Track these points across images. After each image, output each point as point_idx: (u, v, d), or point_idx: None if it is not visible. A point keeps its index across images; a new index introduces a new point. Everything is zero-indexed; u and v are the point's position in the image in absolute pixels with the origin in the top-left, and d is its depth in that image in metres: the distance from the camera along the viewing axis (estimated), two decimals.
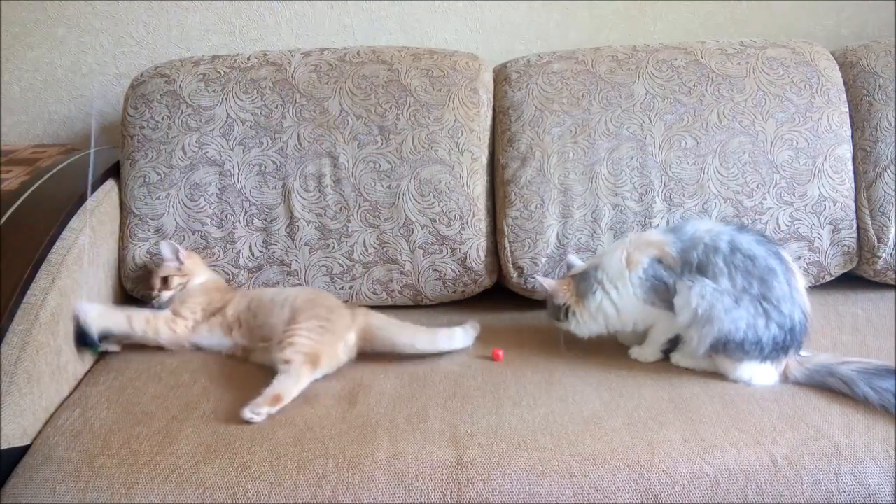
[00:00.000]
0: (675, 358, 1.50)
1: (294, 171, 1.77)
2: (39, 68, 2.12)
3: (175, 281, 1.66)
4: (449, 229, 1.76)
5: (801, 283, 1.45)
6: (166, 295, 1.65)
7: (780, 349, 1.40)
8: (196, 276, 1.68)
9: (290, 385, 1.38)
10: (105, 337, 1.54)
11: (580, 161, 1.76)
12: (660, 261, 1.46)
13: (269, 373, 1.47)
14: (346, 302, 1.77)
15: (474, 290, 1.81)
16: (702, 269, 1.42)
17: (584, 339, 1.53)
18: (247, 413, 1.32)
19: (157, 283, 1.66)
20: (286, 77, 1.81)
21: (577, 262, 1.61)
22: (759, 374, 1.42)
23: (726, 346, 1.41)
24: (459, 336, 1.57)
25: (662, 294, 1.46)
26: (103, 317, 1.54)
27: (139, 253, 1.76)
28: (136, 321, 1.56)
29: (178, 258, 1.67)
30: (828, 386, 1.39)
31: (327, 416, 1.35)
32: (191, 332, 1.59)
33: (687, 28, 2.16)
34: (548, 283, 1.54)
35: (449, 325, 1.67)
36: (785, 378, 1.42)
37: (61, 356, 1.45)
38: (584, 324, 1.52)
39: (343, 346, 1.50)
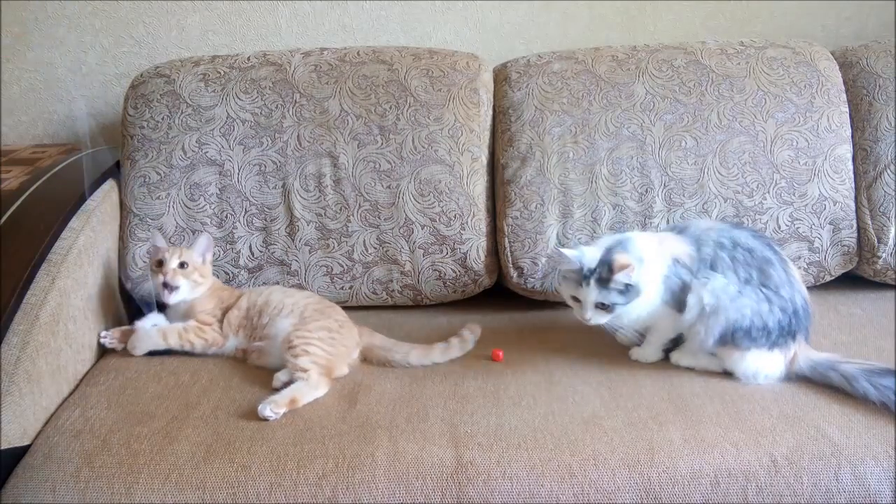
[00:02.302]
0: (675, 357, 1.50)
1: (294, 171, 1.77)
2: (39, 68, 2.12)
3: (193, 275, 1.57)
4: (449, 229, 1.76)
5: (796, 272, 1.48)
6: (175, 281, 1.55)
7: (786, 334, 1.42)
8: (206, 283, 1.62)
9: (307, 392, 1.40)
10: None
11: (580, 161, 1.76)
12: (678, 261, 1.46)
13: (267, 374, 1.48)
14: (345, 303, 1.78)
15: (474, 290, 1.80)
16: (713, 266, 1.44)
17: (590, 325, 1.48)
18: (266, 411, 1.33)
19: (174, 262, 1.56)
20: (286, 77, 1.81)
21: (570, 251, 1.49)
22: (767, 363, 1.42)
23: (734, 336, 1.41)
24: (456, 348, 1.56)
25: (678, 294, 1.46)
26: (143, 340, 1.55)
27: (139, 253, 1.75)
28: (171, 336, 1.55)
29: (203, 258, 1.61)
30: (829, 381, 1.39)
31: (327, 416, 1.35)
32: (221, 336, 1.57)
33: (687, 28, 2.16)
34: (624, 258, 1.41)
35: (448, 325, 1.67)
36: (791, 369, 1.42)
37: (61, 356, 1.45)
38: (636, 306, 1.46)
39: (348, 362, 1.52)
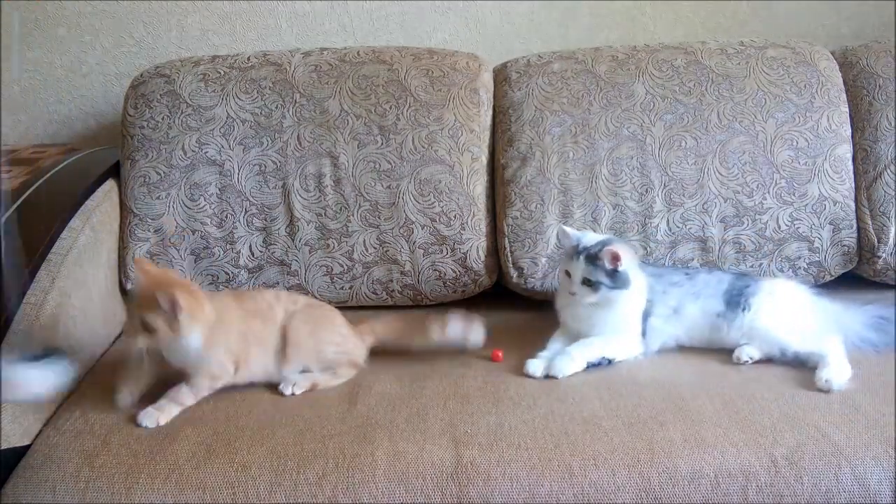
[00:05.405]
0: (827, 376, 1.40)
1: (294, 171, 1.77)
2: (39, 68, 2.12)
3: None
4: (449, 229, 1.76)
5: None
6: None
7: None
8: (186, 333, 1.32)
9: (329, 378, 1.46)
10: None
11: (580, 161, 1.76)
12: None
13: None
14: (345, 303, 1.78)
15: (474, 290, 1.80)
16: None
17: None
18: (287, 389, 1.41)
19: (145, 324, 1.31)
20: (286, 77, 1.81)
21: (572, 230, 1.56)
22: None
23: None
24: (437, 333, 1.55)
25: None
26: None
27: (139, 253, 1.75)
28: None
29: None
30: None
31: (327, 416, 1.35)
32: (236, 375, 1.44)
33: (687, 28, 2.16)
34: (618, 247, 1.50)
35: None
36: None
37: None
38: None
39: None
